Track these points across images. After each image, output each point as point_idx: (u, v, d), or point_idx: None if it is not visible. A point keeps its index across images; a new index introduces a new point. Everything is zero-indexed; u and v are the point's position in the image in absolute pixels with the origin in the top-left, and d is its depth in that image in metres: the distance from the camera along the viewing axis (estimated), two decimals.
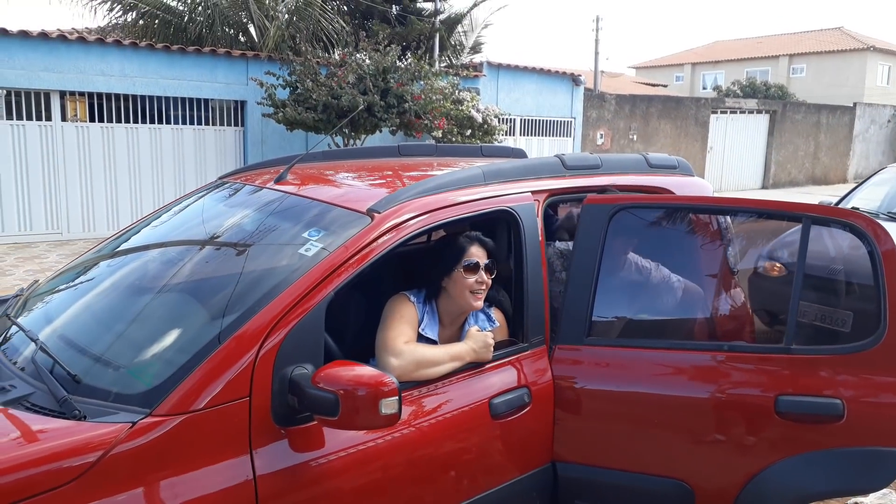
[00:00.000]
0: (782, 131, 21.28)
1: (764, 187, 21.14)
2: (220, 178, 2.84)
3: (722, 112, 20.07)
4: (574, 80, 15.33)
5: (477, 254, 2.25)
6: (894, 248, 2.14)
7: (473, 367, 2.14)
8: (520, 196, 2.37)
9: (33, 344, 1.89)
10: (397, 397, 1.65)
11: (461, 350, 2.12)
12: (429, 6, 15.27)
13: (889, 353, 2.10)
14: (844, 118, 22.90)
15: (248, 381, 1.68)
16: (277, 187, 2.40)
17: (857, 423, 2.09)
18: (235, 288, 1.93)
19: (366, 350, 2.30)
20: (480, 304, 2.25)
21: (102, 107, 9.90)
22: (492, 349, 2.15)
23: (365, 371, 1.69)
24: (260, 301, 1.80)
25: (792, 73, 34.19)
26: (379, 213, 2.03)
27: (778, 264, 2.90)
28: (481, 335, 2.16)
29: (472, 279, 2.22)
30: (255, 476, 1.66)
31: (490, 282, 2.26)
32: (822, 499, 2.14)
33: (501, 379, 2.18)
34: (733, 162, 20.46)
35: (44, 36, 9.33)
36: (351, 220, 2.04)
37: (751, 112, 20.83)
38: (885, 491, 3.34)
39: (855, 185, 7.23)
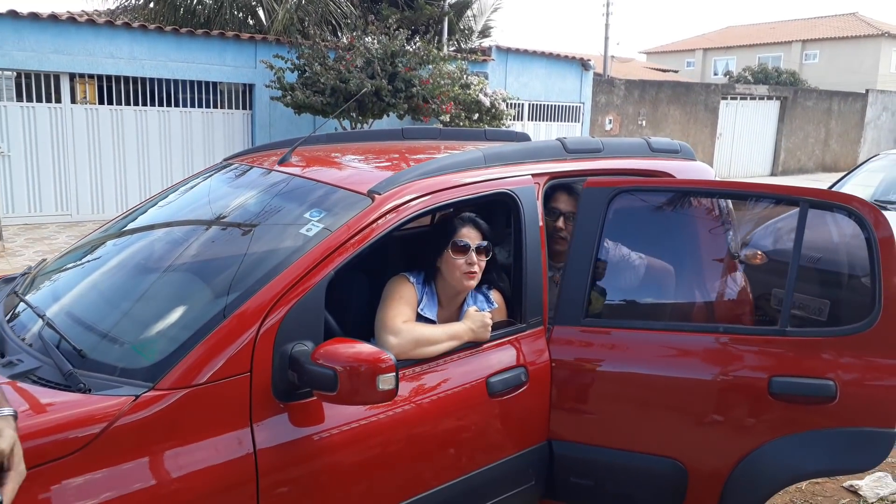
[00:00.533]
0: (793, 118, 21.11)
1: (773, 174, 21.01)
2: (225, 159, 2.88)
3: (732, 98, 19.91)
4: (583, 64, 15.25)
5: (468, 235, 2.26)
6: (892, 236, 2.15)
7: (472, 346, 2.18)
8: (520, 179, 2.39)
9: (40, 320, 1.94)
10: (394, 373, 1.69)
11: (459, 329, 2.15)
12: None
13: (882, 336, 2.12)
14: (856, 105, 22.68)
15: (249, 356, 1.72)
16: (280, 169, 2.43)
17: (850, 404, 2.12)
18: (238, 267, 1.97)
19: (368, 330, 2.34)
20: (472, 284, 2.27)
21: (111, 89, 9.95)
22: (489, 329, 2.19)
23: (363, 348, 1.73)
24: (261, 279, 1.84)
25: (805, 59, 33.83)
26: (380, 194, 2.06)
27: (760, 253, 2.92)
28: (479, 315, 2.19)
29: (461, 260, 2.24)
30: (255, 449, 1.70)
31: (483, 263, 2.28)
32: (814, 477, 2.18)
33: (499, 358, 2.22)
34: (742, 148, 20.33)
35: (54, 18, 9.36)
36: (352, 202, 2.07)
37: (761, 98, 20.67)
38: (880, 473, 3.37)
39: (847, 171, 7.21)
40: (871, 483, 3.32)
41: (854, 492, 3.30)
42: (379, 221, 2.01)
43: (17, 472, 1.16)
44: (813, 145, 21.87)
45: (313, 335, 1.83)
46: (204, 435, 1.64)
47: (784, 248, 3.14)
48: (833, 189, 6.57)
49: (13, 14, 9.06)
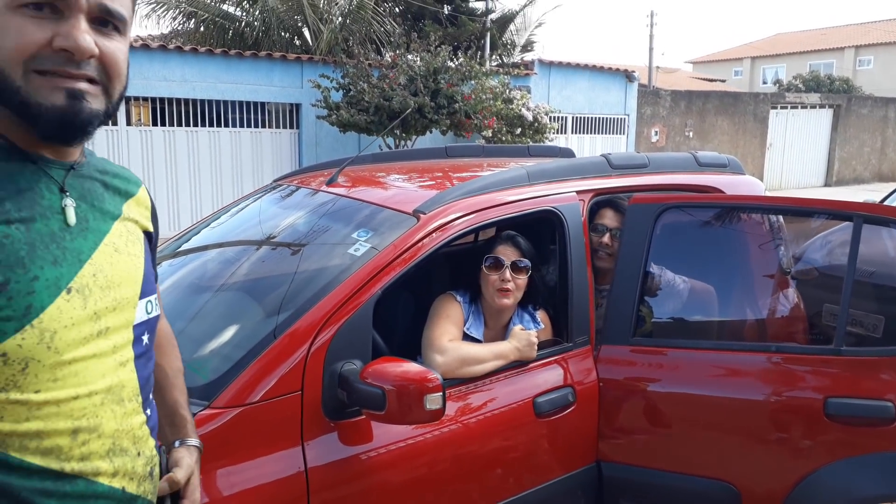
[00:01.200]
0: (847, 126, 20.52)
1: (827, 185, 20.43)
2: (275, 181, 2.95)
3: (782, 107, 19.48)
4: (627, 76, 15.14)
5: (503, 252, 2.26)
6: None
7: (518, 365, 2.18)
8: (565, 196, 2.39)
9: None
10: (441, 393, 1.70)
11: (505, 348, 2.15)
12: (480, 6, 15.30)
13: None
14: None
15: (301, 375, 1.76)
16: (329, 189, 2.49)
17: None
18: (289, 286, 2.01)
19: (413, 347, 2.37)
20: (506, 302, 2.26)
21: (164, 111, 10.28)
22: (535, 348, 2.18)
23: (410, 367, 1.74)
24: (311, 299, 1.88)
25: (858, 66, 32.92)
26: (425, 213, 2.09)
27: (813, 268, 2.85)
28: (525, 333, 2.19)
29: (494, 276, 2.24)
30: (306, 467, 1.73)
31: (521, 282, 2.26)
32: (873, 503, 2.10)
33: (546, 378, 2.21)
34: (794, 159, 19.84)
35: None
36: (398, 221, 2.10)
37: (813, 107, 20.16)
38: None
39: None
40: None
41: None
42: (424, 240, 2.03)
43: (191, 501, 1.19)
44: (869, 154, 21.21)
45: (362, 354, 1.85)
46: (256, 453, 1.68)
47: (836, 262, 3.06)
48: (888, 200, 6.37)
49: None
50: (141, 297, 1.07)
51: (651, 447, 2.26)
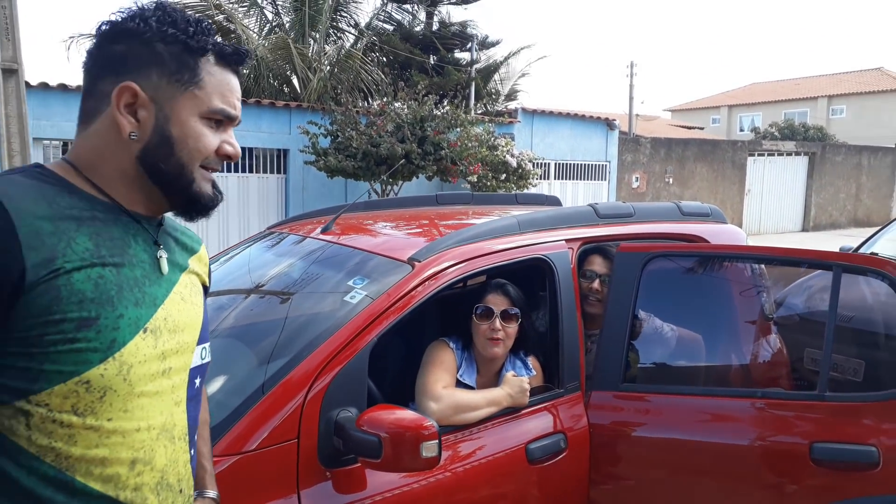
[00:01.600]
0: (822, 173, 21.03)
1: (804, 230, 20.81)
2: (269, 228, 3.00)
3: (759, 154, 19.95)
4: (608, 124, 15.48)
5: (493, 301, 2.30)
6: None
7: (511, 412, 2.20)
8: (554, 244, 2.45)
9: None
10: (437, 440, 1.72)
11: (498, 395, 2.18)
12: (465, 56, 15.67)
13: None
14: (887, 159, 22.55)
15: (297, 423, 1.78)
16: (324, 237, 2.53)
17: (893, 471, 2.09)
18: (285, 334, 2.04)
19: (404, 393, 2.39)
20: (497, 351, 2.29)
21: None
22: (528, 394, 2.21)
23: (406, 415, 1.77)
24: (308, 346, 1.90)
25: (831, 114, 33.90)
26: (419, 261, 2.14)
27: (794, 314, 2.94)
28: (517, 380, 2.22)
29: (484, 325, 2.28)
30: None
31: (511, 330, 2.30)
32: None
33: (538, 424, 2.23)
34: (772, 204, 20.24)
35: (63, 87, 9.71)
36: (393, 269, 2.15)
37: (789, 154, 20.67)
38: None
39: (879, 228, 7.16)
40: None
41: None
42: (419, 288, 2.08)
43: None
44: (844, 200, 21.70)
45: (357, 401, 1.87)
46: (253, 502, 1.68)
47: (816, 307, 3.14)
48: (864, 247, 6.53)
49: (62, 87, 9.55)
50: (198, 343, 1.18)
51: (641, 492, 2.28)
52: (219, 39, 1.14)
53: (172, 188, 1.11)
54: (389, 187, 10.52)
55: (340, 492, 1.82)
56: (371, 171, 9.78)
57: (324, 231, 2.58)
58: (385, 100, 10.74)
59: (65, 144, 9.78)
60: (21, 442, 0.97)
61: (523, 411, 2.22)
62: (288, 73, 12.99)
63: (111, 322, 1.00)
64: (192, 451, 1.19)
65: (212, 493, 1.33)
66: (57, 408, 0.97)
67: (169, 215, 1.22)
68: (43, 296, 0.95)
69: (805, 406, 2.22)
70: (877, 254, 5.96)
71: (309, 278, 2.34)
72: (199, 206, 1.14)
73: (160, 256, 1.13)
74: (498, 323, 2.28)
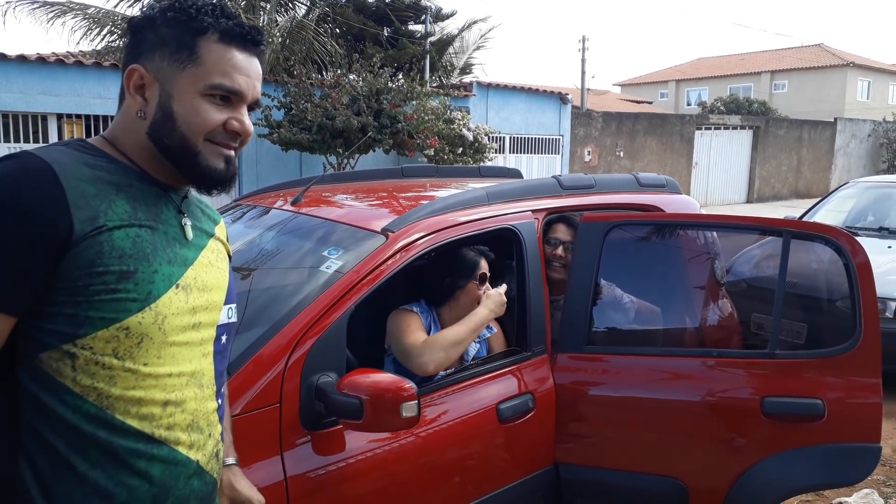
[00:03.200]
0: (766, 146, 21.69)
1: (749, 201, 21.49)
2: (235, 200, 3.00)
3: (706, 128, 20.45)
4: (562, 98, 15.63)
5: (485, 267, 2.46)
6: (868, 262, 2.32)
7: (482, 375, 2.29)
8: (521, 215, 2.53)
9: None
10: (417, 401, 1.79)
11: (479, 317, 2.33)
12: (419, 28, 15.56)
13: (864, 356, 2.27)
14: (826, 133, 23.37)
15: (279, 388, 1.83)
16: (294, 209, 2.56)
17: (837, 422, 2.26)
18: (264, 303, 2.08)
19: (372, 362, 2.45)
20: None
21: (99, 129, 10.03)
22: (504, 302, 2.38)
23: (385, 377, 1.84)
24: (287, 315, 1.94)
25: (774, 89, 34.81)
26: (393, 232, 2.19)
27: (742, 280, 3.12)
28: (496, 295, 2.38)
29: (480, 290, 2.42)
30: (286, 476, 1.79)
31: None
32: (807, 492, 2.30)
33: (507, 386, 2.33)
34: (718, 177, 20.81)
35: (41, 60, 9.47)
36: (367, 239, 2.20)
37: (734, 128, 21.24)
38: (867, 490, 3.51)
39: (819, 199, 7.50)
40: (858, 500, 3.45)
41: None
42: (394, 258, 2.13)
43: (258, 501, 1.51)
44: (786, 173, 22.45)
45: (337, 367, 1.93)
46: (239, 463, 1.73)
47: (761, 274, 3.32)
48: (806, 217, 6.83)
49: (2, 57, 9.17)
50: (225, 303, 1.29)
51: (604, 448, 2.41)
52: (228, 20, 1.19)
53: (179, 161, 1.19)
54: (346, 161, 10.46)
55: (321, 453, 1.88)
56: (327, 144, 9.71)
57: (294, 203, 2.60)
58: (339, 72, 10.62)
59: (4, 116, 9.41)
60: (67, 382, 1.08)
61: (494, 374, 2.31)
62: None
63: (147, 276, 1.11)
64: (220, 401, 1.30)
65: (231, 459, 1.49)
66: (100, 351, 1.08)
67: (192, 190, 1.30)
68: (88, 250, 1.05)
69: (757, 364, 2.37)
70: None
71: (283, 250, 2.37)
72: (208, 179, 1.21)
73: (185, 224, 1.23)
74: (489, 286, 2.44)
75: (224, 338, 1.30)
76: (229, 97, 1.19)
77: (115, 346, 1.09)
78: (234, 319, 1.34)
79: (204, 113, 1.17)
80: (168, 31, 1.16)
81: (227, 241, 1.43)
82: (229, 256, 1.40)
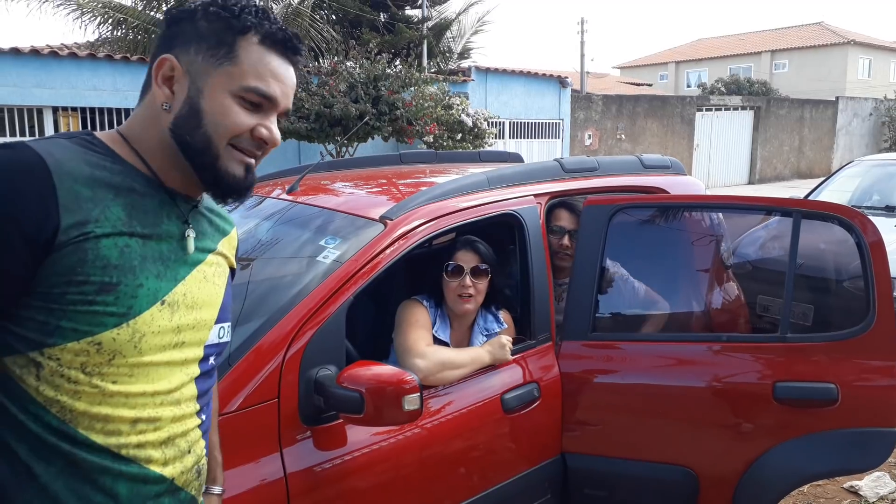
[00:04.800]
0: (767, 127, 21.55)
1: (750, 182, 21.38)
2: None
3: (707, 110, 20.31)
4: (561, 82, 15.50)
5: (463, 258, 2.32)
6: (881, 240, 2.25)
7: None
8: (523, 199, 2.47)
9: None
10: (419, 394, 1.74)
11: (480, 353, 2.22)
12: (417, 13, 15.40)
13: (878, 338, 2.21)
14: (827, 112, 23.21)
15: (277, 383, 1.77)
16: (290, 198, 2.49)
17: (851, 406, 2.20)
18: (259, 296, 2.02)
19: (376, 353, 2.40)
20: (468, 307, 2.31)
21: (95, 121, 9.96)
22: (508, 349, 2.24)
23: (386, 370, 1.78)
24: (283, 308, 1.88)
25: (774, 69, 34.56)
26: (391, 219, 2.13)
27: (747, 262, 3.05)
28: (497, 339, 2.25)
29: (454, 283, 2.30)
30: (285, 473, 1.74)
31: (482, 286, 2.32)
32: (820, 479, 2.25)
33: (511, 375, 2.28)
34: (720, 158, 20.70)
35: (35, 52, 9.38)
36: (365, 227, 2.13)
37: (735, 109, 21.09)
38: (879, 473, 3.46)
39: (823, 179, 7.42)
40: (870, 483, 3.41)
41: (854, 492, 3.39)
42: (393, 246, 2.07)
43: None
44: (788, 153, 22.32)
45: (336, 360, 1.88)
46: (237, 461, 1.68)
47: (767, 255, 3.26)
48: (811, 196, 6.76)
49: None
50: (217, 322, 1.21)
51: (612, 437, 2.36)
52: (271, 24, 1.13)
53: (199, 162, 1.13)
54: (345, 149, 10.38)
55: (322, 448, 1.83)
56: (325, 132, 9.62)
57: (290, 192, 2.53)
58: (336, 59, 10.51)
59: (0, 110, 9.33)
60: (30, 391, 1.02)
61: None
62: None
63: (130, 290, 1.04)
64: (203, 416, 1.22)
65: (217, 489, 1.38)
66: (67, 363, 1.02)
67: (206, 197, 1.24)
68: (70, 256, 0.99)
69: (767, 348, 2.31)
70: None
71: (279, 239, 2.31)
72: (225, 185, 1.14)
73: (188, 235, 1.16)
74: (468, 280, 2.29)
75: (212, 359, 1.23)
76: (261, 103, 1.13)
77: (83, 361, 1.02)
78: (226, 339, 1.26)
79: (234, 115, 1.11)
80: (208, 26, 1.11)
81: (237, 250, 1.36)
82: (233, 270, 1.33)
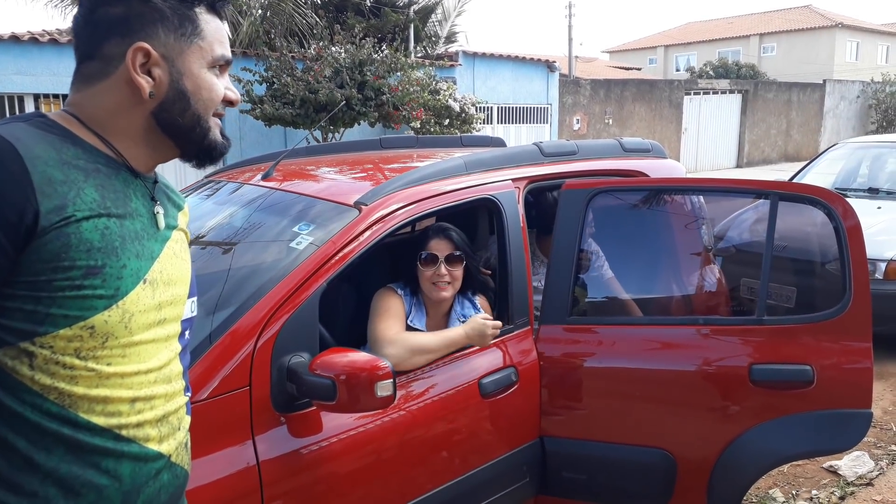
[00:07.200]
0: (755, 110, 21.57)
1: (738, 166, 21.43)
2: (206, 176, 2.90)
3: (695, 93, 20.29)
4: (549, 66, 15.43)
5: (436, 247, 2.30)
6: (858, 224, 2.25)
7: (463, 349, 2.23)
8: (501, 184, 2.45)
9: None
10: (392, 380, 1.73)
11: (455, 335, 2.19)
12: None
13: (854, 320, 2.21)
14: (815, 95, 23.25)
15: (248, 370, 1.76)
16: (265, 184, 2.46)
17: (827, 387, 2.21)
18: (230, 283, 1.99)
19: (356, 339, 2.38)
20: (444, 295, 2.30)
21: None
22: (487, 337, 2.21)
23: (359, 356, 1.77)
24: (255, 295, 1.86)
25: (763, 53, 34.55)
26: (366, 205, 2.11)
27: (731, 246, 3.05)
28: (479, 323, 2.20)
29: (429, 271, 2.28)
30: (258, 461, 1.73)
31: (458, 273, 2.31)
32: (797, 460, 2.26)
33: (489, 360, 2.27)
34: (708, 142, 20.72)
35: (15, 39, 9.24)
36: (339, 213, 2.11)
37: (723, 92, 21.09)
38: (858, 452, 3.49)
39: (806, 162, 7.44)
40: (849, 462, 3.44)
41: (834, 472, 3.41)
42: (367, 232, 2.05)
43: None
44: (775, 136, 22.36)
45: (309, 347, 1.86)
46: (208, 450, 1.67)
47: (751, 239, 3.26)
48: (795, 179, 6.77)
49: None
50: (189, 297, 1.23)
51: (590, 420, 2.36)
52: None
53: (188, 139, 1.15)
54: (331, 135, 10.30)
55: (296, 435, 1.83)
56: (310, 118, 9.55)
57: (264, 178, 2.51)
58: (321, 44, 10.41)
59: None
60: (25, 381, 1.01)
61: (476, 348, 2.24)
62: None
63: (115, 271, 1.04)
64: (188, 393, 1.25)
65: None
66: (60, 350, 1.01)
67: (160, 174, 1.24)
68: (53, 242, 0.98)
69: (744, 330, 2.31)
70: None
71: (252, 226, 2.28)
72: (213, 153, 1.19)
73: (157, 212, 1.16)
74: (443, 268, 2.28)
75: (187, 333, 1.25)
76: (223, 66, 1.17)
77: (77, 346, 1.02)
78: (195, 313, 1.28)
79: (215, 87, 1.15)
80: (164, 3, 1.09)
81: (189, 224, 1.36)
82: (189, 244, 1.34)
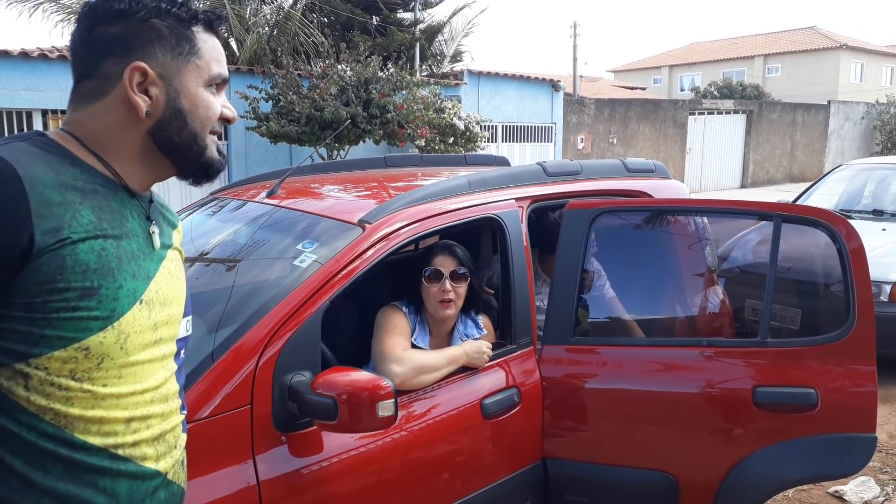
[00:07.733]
0: (759, 131, 21.61)
1: (743, 186, 21.43)
2: (212, 194, 2.91)
3: (700, 113, 20.35)
4: (553, 85, 15.51)
5: (441, 263, 2.30)
6: (861, 246, 2.24)
7: (465, 369, 2.22)
8: (504, 203, 2.46)
9: None
10: (393, 400, 1.72)
11: (455, 353, 2.20)
12: (409, 16, 15.40)
13: (858, 343, 2.20)
14: (819, 116, 23.29)
15: (250, 389, 1.75)
16: (270, 201, 2.47)
17: (831, 411, 2.19)
18: (233, 301, 2.00)
19: (358, 358, 2.38)
20: (448, 313, 2.30)
21: None
22: (485, 357, 2.23)
23: (361, 375, 1.76)
24: (258, 312, 1.86)
25: (767, 73, 34.68)
26: (370, 223, 2.11)
27: (735, 267, 3.05)
28: (476, 343, 2.24)
29: (434, 288, 2.28)
30: (258, 481, 1.72)
31: (461, 290, 2.31)
32: (801, 485, 2.24)
33: (491, 380, 2.26)
34: (712, 162, 20.74)
35: (24, 55, 9.33)
36: (343, 231, 2.12)
37: (728, 112, 21.14)
38: (863, 478, 3.46)
39: (811, 183, 7.43)
40: (854, 488, 3.40)
41: (839, 497, 3.38)
42: (371, 250, 2.05)
43: None
44: (780, 157, 22.38)
45: (311, 365, 1.86)
46: (208, 469, 1.66)
47: (755, 260, 3.26)
48: (799, 200, 6.77)
49: None
50: (184, 316, 1.23)
51: (593, 442, 2.35)
52: (205, 10, 1.17)
53: (184, 158, 1.16)
54: (336, 152, 10.35)
55: (297, 455, 1.82)
56: (316, 135, 9.59)
57: (269, 195, 2.52)
58: (327, 62, 10.49)
59: None
60: (21, 402, 1.01)
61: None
62: (225, 34, 12.54)
63: (112, 292, 1.04)
64: (184, 411, 1.25)
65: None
66: (55, 372, 1.01)
67: (155, 193, 1.25)
68: (49, 264, 0.98)
69: (748, 353, 2.30)
70: None
71: (256, 244, 2.29)
72: (210, 171, 1.20)
73: (153, 232, 1.17)
74: (448, 284, 2.28)
75: (182, 352, 1.25)
76: (220, 84, 1.18)
77: (72, 368, 1.02)
78: (190, 332, 1.28)
79: (212, 106, 1.16)
80: (162, 23, 1.10)
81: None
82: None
